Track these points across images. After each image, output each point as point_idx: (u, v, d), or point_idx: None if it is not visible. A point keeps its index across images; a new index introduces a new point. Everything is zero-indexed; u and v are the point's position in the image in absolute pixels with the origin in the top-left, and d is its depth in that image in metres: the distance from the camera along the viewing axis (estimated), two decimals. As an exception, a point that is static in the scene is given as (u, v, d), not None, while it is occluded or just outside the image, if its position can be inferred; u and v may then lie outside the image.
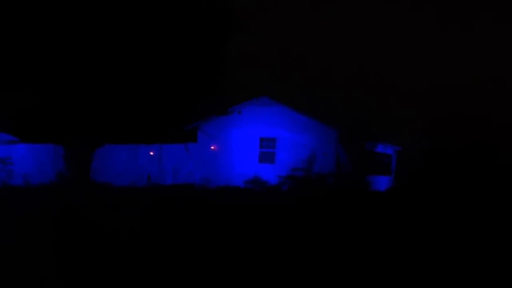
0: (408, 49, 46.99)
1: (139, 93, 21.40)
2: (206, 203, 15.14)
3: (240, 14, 23.33)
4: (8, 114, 21.86)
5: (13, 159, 24.80)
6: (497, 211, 16.24)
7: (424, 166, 24.24)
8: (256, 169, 23.60)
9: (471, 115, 30.63)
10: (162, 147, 24.78)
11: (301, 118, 23.63)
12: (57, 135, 22.81)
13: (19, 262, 7.74)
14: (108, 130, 22.46)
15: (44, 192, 18.35)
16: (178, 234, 10.24)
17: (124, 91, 21.07)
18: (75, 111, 21.26)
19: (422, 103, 35.74)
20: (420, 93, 37.63)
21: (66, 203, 12.92)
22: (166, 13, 21.38)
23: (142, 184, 23.35)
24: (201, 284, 7.44)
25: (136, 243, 9.23)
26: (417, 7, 50.54)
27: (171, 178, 24.32)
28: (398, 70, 46.12)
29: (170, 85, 21.76)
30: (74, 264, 7.73)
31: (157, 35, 21.13)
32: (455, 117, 30.28)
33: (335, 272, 8.31)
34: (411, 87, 38.83)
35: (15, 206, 12.74)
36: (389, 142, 26.81)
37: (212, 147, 24.33)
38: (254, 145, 23.97)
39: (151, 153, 24.84)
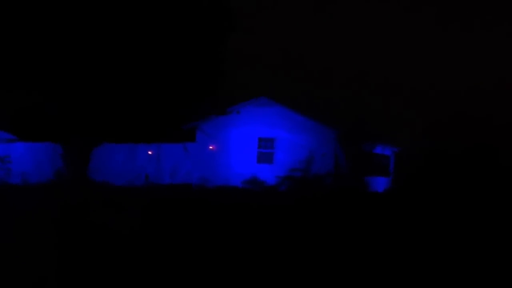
0: (408, 50, 47.03)
1: (137, 92, 21.41)
2: (204, 203, 15.16)
3: (239, 14, 23.38)
4: (7, 112, 21.87)
5: (11, 158, 24.83)
6: (496, 212, 16.26)
7: (423, 167, 24.26)
8: (254, 169, 23.62)
9: (471, 116, 30.66)
10: (160, 147, 24.79)
11: (299, 118, 23.66)
12: (56, 134, 22.81)
13: (19, 262, 7.75)
14: (106, 129, 22.47)
15: (43, 191, 18.36)
16: (178, 235, 10.25)
17: (122, 90, 21.08)
18: (74, 110, 21.27)
19: (421, 104, 35.78)
20: (420, 94, 37.66)
21: (65, 202, 12.92)
22: (166, 12, 21.39)
23: (140, 184, 23.37)
24: (202, 284, 7.46)
25: (137, 243, 9.24)
26: (418, 7, 50.59)
27: (169, 178, 24.32)
28: (398, 71, 46.17)
29: (169, 84, 21.77)
30: (75, 264, 7.74)
31: (157, 34, 21.14)
32: (455, 118, 30.30)
33: (334, 272, 8.33)
34: (410, 88, 38.87)
35: (14, 205, 12.75)
36: (388, 143, 26.84)
37: (211, 147, 24.35)
38: (253, 145, 23.99)
39: (150, 153, 24.85)
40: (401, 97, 35.90)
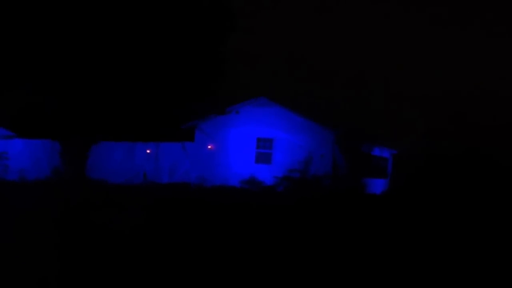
0: (408, 51, 47.07)
1: (137, 91, 21.40)
2: (204, 203, 15.17)
3: (240, 14, 23.38)
4: (6, 109, 21.84)
5: (9, 154, 24.78)
6: (492, 214, 16.34)
7: (420, 170, 24.33)
8: (252, 169, 23.63)
9: (469, 118, 30.74)
10: (159, 145, 24.77)
11: (298, 119, 23.67)
12: (54, 131, 22.78)
13: (22, 262, 7.73)
14: (105, 127, 22.45)
15: (41, 188, 18.31)
16: (179, 235, 10.26)
17: (122, 89, 21.06)
18: (73, 108, 21.25)
19: (420, 106, 35.83)
20: (419, 96, 37.72)
21: (66, 201, 12.90)
22: (166, 12, 21.38)
23: (138, 182, 23.35)
24: (203, 283, 7.47)
25: (139, 243, 9.24)
26: (418, 8, 50.62)
27: (167, 177, 24.31)
28: (398, 72, 46.19)
29: (168, 83, 21.76)
30: (77, 265, 7.73)
31: (157, 33, 21.14)
32: (453, 120, 30.38)
33: (330, 272, 8.36)
34: (409, 90, 38.92)
35: (12, 203, 12.71)
36: (386, 145, 26.88)
37: (209, 146, 24.34)
38: (251, 145, 23.99)
39: (148, 151, 24.83)
40: (400, 99, 35.94)
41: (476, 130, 28.62)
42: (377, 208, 17.28)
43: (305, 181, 22.41)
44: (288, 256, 9.18)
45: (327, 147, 23.19)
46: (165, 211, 12.62)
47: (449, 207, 17.93)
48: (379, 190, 25.45)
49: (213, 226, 11.27)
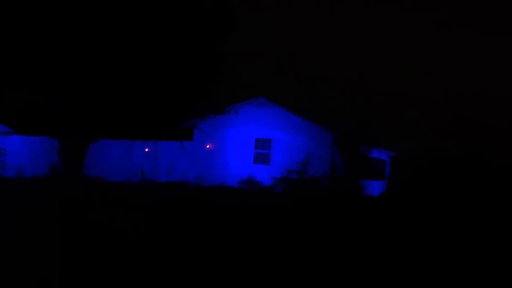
0: (407, 52, 47.12)
1: (136, 89, 21.40)
2: (201, 203, 15.19)
3: (240, 14, 23.40)
4: (5, 105, 21.82)
5: (7, 151, 24.76)
6: (489, 217, 16.39)
7: (418, 172, 24.36)
8: (250, 169, 23.62)
9: (469, 120, 30.80)
10: (157, 144, 24.76)
11: (297, 120, 23.66)
12: (53, 128, 22.78)
13: (22, 261, 7.71)
14: (103, 125, 22.45)
15: (39, 185, 18.29)
16: (178, 235, 10.26)
17: (121, 87, 21.07)
18: (72, 105, 21.25)
19: (419, 108, 35.87)
20: (418, 98, 37.76)
21: (63, 199, 12.88)
22: (167, 11, 21.38)
23: (136, 180, 23.33)
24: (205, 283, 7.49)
25: (139, 243, 9.24)
26: (418, 10, 50.68)
27: (165, 176, 24.30)
28: (398, 73, 46.26)
29: (167, 82, 21.77)
30: (79, 264, 7.71)
31: (156, 32, 21.14)
32: (453, 122, 30.43)
33: (327, 272, 8.38)
34: (409, 92, 38.95)
35: (11, 201, 12.68)
36: (384, 147, 26.90)
37: (208, 146, 24.33)
38: (250, 145, 23.98)
39: (146, 150, 24.81)
40: (399, 101, 35.98)
41: (476, 132, 28.68)
42: (374, 210, 17.31)
43: (303, 182, 22.41)
44: (284, 256, 9.20)
45: (325, 148, 23.19)
46: (165, 211, 12.62)
47: (447, 210, 17.97)
48: (377, 192, 25.48)
49: (212, 226, 11.28)
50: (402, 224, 13.80)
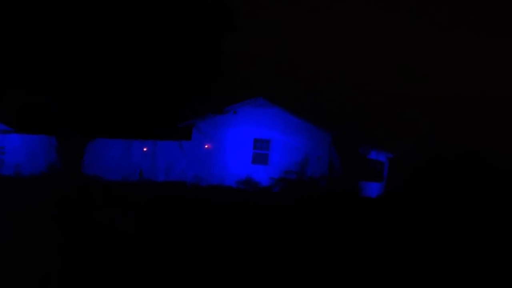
0: (408, 54, 47.16)
1: (135, 88, 21.41)
2: (199, 203, 15.21)
3: (240, 14, 23.42)
4: (4, 104, 21.83)
5: (6, 149, 24.76)
6: (486, 219, 16.43)
7: (416, 174, 24.39)
8: (249, 169, 23.63)
9: (468, 122, 30.82)
10: (156, 144, 24.75)
11: (296, 120, 23.67)
12: (51, 127, 22.79)
13: (23, 260, 7.71)
14: (102, 124, 22.46)
15: (38, 184, 18.28)
16: (175, 234, 10.28)
17: (120, 86, 21.08)
18: (71, 104, 21.26)
19: (418, 110, 35.89)
20: (416, 99, 37.78)
21: (63, 198, 12.88)
22: (166, 11, 21.39)
23: (134, 180, 23.33)
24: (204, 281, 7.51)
25: (140, 243, 9.25)
26: (418, 12, 50.71)
27: (163, 175, 24.30)
28: (397, 74, 46.28)
29: (166, 81, 21.78)
30: (79, 264, 7.71)
31: (156, 32, 21.15)
32: (452, 124, 30.46)
33: (321, 272, 8.40)
34: (409, 93, 38.98)
35: (10, 199, 12.67)
36: (383, 148, 26.92)
37: (206, 146, 24.34)
38: (248, 145, 23.99)
39: (145, 149, 24.81)
40: (398, 102, 36.00)
41: (476, 133, 28.72)
42: (371, 211, 17.34)
43: (301, 183, 22.43)
44: (281, 256, 9.22)
45: (324, 149, 23.21)
46: (164, 211, 12.63)
47: (445, 211, 17.99)
48: (375, 193, 25.50)
49: (211, 226, 11.30)
50: (399, 225, 13.83)
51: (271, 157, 23.75)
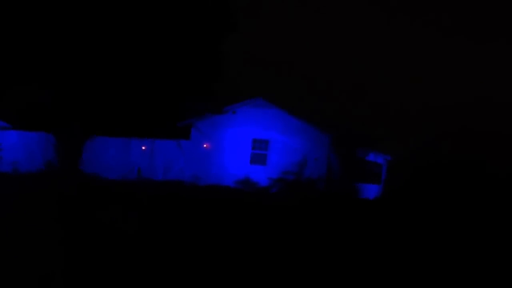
0: (408, 55, 47.26)
1: (134, 87, 21.39)
2: (198, 202, 15.23)
3: (240, 14, 23.43)
4: (2, 100, 21.78)
5: (3, 146, 24.70)
6: (482, 223, 16.51)
7: (414, 177, 24.44)
8: (247, 170, 23.64)
9: (467, 126, 30.92)
10: (154, 142, 24.74)
11: (294, 121, 23.70)
12: (50, 124, 22.74)
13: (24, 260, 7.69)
14: (100, 122, 22.44)
15: (37, 181, 18.24)
16: (175, 234, 10.28)
17: (120, 85, 21.05)
18: (69, 101, 21.22)
19: (417, 112, 35.96)
20: (416, 102, 37.86)
21: (63, 197, 12.85)
22: (166, 10, 21.39)
23: (132, 178, 23.31)
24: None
25: (142, 242, 9.24)
26: (418, 17, 50.83)
27: (161, 174, 24.28)
28: (397, 74, 46.36)
29: (166, 80, 21.77)
30: (74, 263, 7.70)
31: (156, 31, 21.14)
32: (450, 128, 30.55)
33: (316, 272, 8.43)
34: (407, 94, 39.05)
35: (9, 197, 12.64)
36: (381, 151, 26.96)
37: (205, 145, 24.34)
38: (247, 146, 24.01)
39: (143, 148, 24.79)
40: (397, 103, 36.08)
41: (475, 139, 28.81)
42: (368, 213, 17.39)
43: (299, 184, 22.46)
44: (278, 255, 9.25)
45: (322, 150, 23.25)
46: (164, 210, 12.64)
47: (441, 215, 18.06)
48: (372, 195, 25.54)
49: (210, 225, 11.32)
50: (394, 228, 13.87)
51: (269, 158, 23.76)
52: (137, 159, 24.68)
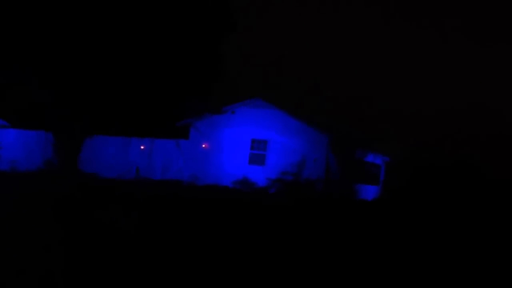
0: (407, 56, 47.31)
1: (134, 86, 21.39)
2: (196, 202, 15.24)
3: (239, 14, 23.43)
4: (2, 100, 21.77)
5: (2, 144, 24.67)
6: (477, 224, 16.57)
7: (412, 179, 24.48)
8: (245, 170, 23.63)
9: (465, 131, 30.97)
10: (153, 142, 24.73)
11: (293, 122, 23.70)
12: (49, 123, 22.73)
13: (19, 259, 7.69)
14: (100, 121, 22.43)
15: (35, 180, 18.22)
16: (175, 234, 10.29)
17: (119, 84, 21.05)
18: (69, 100, 21.22)
19: (416, 113, 35.99)
20: (415, 103, 37.89)
21: (58, 195, 12.86)
22: (165, 10, 21.39)
23: (130, 178, 23.30)
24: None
25: (143, 242, 9.25)
26: (421, 21, 50.89)
27: (160, 174, 24.28)
28: (397, 75, 46.41)
29: (165, 80, 21.77)
30: (74, 263, 7.69)
31: (155, 31, 21.14)
32: (450, 131, 30.59)
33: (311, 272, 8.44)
34: (406, 95, 39.09)
35: (8, 195, 12.63)
36: (379, 152, 26.97)
37: (204, 145, 24.33)
38: (245, 146, 23.99)
39: (142, 147, 24.78)
40: (396, 104, 36.10)
41: (472, 143, 28.89)
42: (366, 214, 17.42)
43: (297, 184, 22.45)
44: (275, 255, 9.27)
45: (321, 151, 23.25)
46: (164, 210, 12.64)
47: (438, 216, 18.10)
48: (371, 196, 25.55)
49: (209, 226, 11.34)
50: (391, 229, 13.90)
51: (268, 158, 23.76)
52: (136, 159, 24.67)
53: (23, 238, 8.45)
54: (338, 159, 23.56)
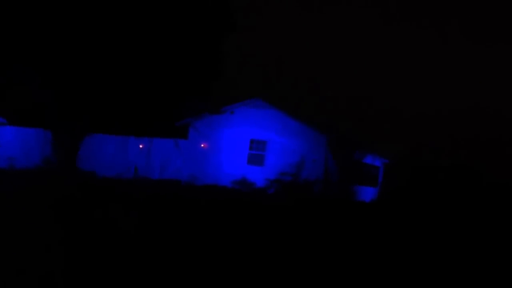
0: (407, 57, 47.33)
1: (133, 86, 21.37)
2: (194, 202, 15.23)
3: (239, 15, 23.43)
4: (1, 98, 21.73)
5: (0, 142, 24.61)
6: (474, 226, 16.59)
7: (411, 180, 24.51)
8: (244, 170, 23.62)
9: (463, 133, 31.01)
10: (152, 141, 24.71)
11: (292, 122, 23.69)
12: (47, 120, 22.69)
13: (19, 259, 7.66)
14: (99, 120, 22.41)
15: (32, 178, 18.17)
16: (175, 234, 10.28)
17: (119, 83, 21.03)
18: (68, 98, 21.19)
19: (416, 114, 36.02)
20: (415, 104, 37.91)
21: (57, 193, 12.82)
22: (165, 9, 21.37)
23: (129, 177, 23.27)
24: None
25: (143, 242, 9.23)
26: (421, 22, 50.94)
27: (158, 173, 24.25)
28: (397, 75, 46.44)
29: (165, 79, 21.75)
30: (74, 263, 7.67)
31: (155, 30, 21.13)
32: (449, 133, 30.63)
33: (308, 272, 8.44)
34: (406, 96, 39.12)
35: (8, 194, 12.59)
36: (378, 154, 26.99)
37: (202, 145, 24.30)
38: (244, 146, 23.97)
39: (141, 146, 24.75)
40: (395, 105, 36.12)
41: (471, 146, 28.94)
42: (364, 216, 17.43)
43: (296, 185, 22.45)
44: (270, 254, 9.28)
45: (319, 152, 23.24)
46: (164, 210, 12.62)
47: (434, 218, 18.12)
48: (369, 198, 25.57)
49: (208, 225, 11.33)
50: (390, 230, 13.91)
51: (267, 158, 23.75)
52: (135, 158, 24.63)
53: (23, 237, 8.42)
54: (337, 160, 23.56)
